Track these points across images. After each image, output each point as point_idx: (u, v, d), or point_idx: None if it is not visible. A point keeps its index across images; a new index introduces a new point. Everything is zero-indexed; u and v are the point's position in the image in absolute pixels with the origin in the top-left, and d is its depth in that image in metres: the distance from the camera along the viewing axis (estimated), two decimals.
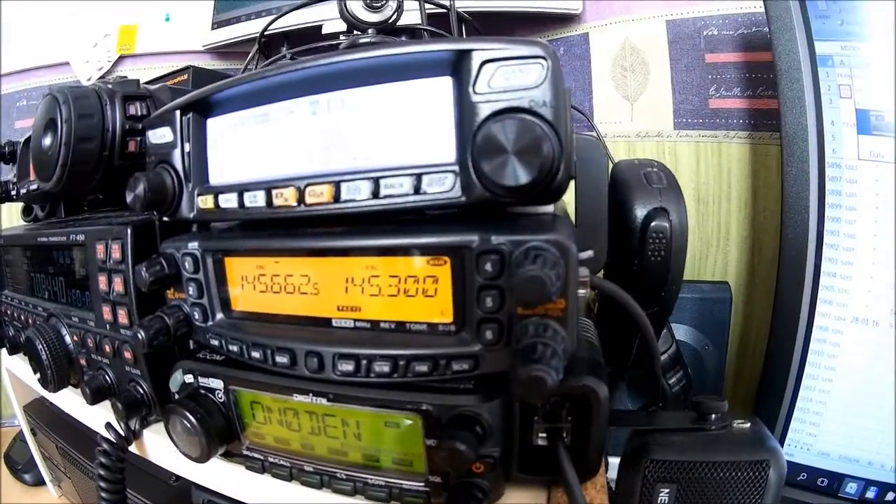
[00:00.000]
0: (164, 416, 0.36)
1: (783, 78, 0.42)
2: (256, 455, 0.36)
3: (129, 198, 0.34)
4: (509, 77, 0.26)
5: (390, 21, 0.65)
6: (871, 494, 0.43)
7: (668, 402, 0.51)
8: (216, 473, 0.39)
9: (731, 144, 0.68)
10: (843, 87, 0.41)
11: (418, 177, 0.27)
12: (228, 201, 0.32)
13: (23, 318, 0.55)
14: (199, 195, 0.34)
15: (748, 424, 0.36)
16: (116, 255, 0.39)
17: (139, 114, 0.43)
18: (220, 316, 0.35)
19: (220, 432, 0.35)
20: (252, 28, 0.77)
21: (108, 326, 0.42)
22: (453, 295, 0.28)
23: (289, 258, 0.32)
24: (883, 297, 0.41)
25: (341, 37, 0.72)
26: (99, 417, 0.46)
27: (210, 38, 0.84)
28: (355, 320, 0.30)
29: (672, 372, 0.55)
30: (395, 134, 0.28)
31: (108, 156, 0.43)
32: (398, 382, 0.29)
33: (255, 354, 0.32)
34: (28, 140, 0.55)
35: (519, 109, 0.25)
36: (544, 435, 0.31)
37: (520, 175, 0.24)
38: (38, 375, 0.48)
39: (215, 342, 0.34)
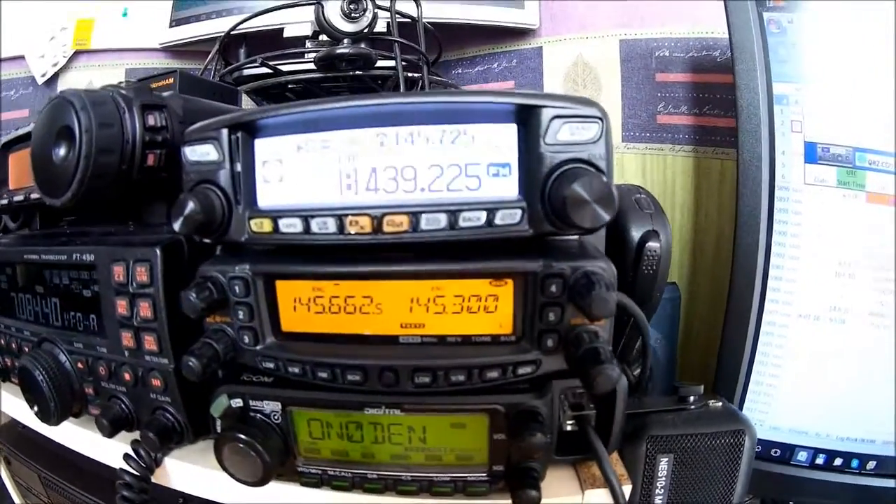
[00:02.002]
0: (219, 443, 0.38)
1: (743, 112, 0.54)
2: (313, 470, 0.40)
3: (176, 220, 0.35)
4: (574, 133, 0.34)
5: (364, 31, 0.71)
6: (820, 461, 0.57)
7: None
8: (242, 493, 0.41)
9: (676, 157, 0.81)
10: (795, 122, 0.54)
11: (492, 211, 0.34)
12: (291, 226, 0.36)
13: (2, 342, 0.54)
14: (251, 218, 0.37)
15: (720, 403, 0.47)
16: (143, 277, 0.41)
17: (159, 125, 0.43)
18: (270, 339, 0.38)
19: (279, 453, 0.38)
20: (210, 28, 0.79)
21: (126, 353, 0.43)
22: (514, 310, 0.36)
23: (349, 281, 0.36)
24: (823, 296, 0.55)
25: (308, 43, 0.77)
26: (97, 445, 0.48)
27: (167, 37, 0.85)
28: (422, 336, 0.36)
29: (637, 364, 0.67)
30: (459, 170, 0.35)
31: (126, 170, 0.41)
32: (467, 388, 0.36)
33: (323, 374, 0.36)
34: (7, 144, 0.55)
35: (582, 161, 0.34)
36: (572, 422, 0.40)
37: (599, 219, 0.32)
38: (35, 408, 0.47)
39: (269, 364, 0.38)
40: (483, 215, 0.34)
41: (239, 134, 0.37)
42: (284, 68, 0.73)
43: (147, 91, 0.44)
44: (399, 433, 0.38)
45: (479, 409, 0.36)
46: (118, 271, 0.42)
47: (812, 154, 0.54)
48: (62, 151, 0.40)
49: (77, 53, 0.96)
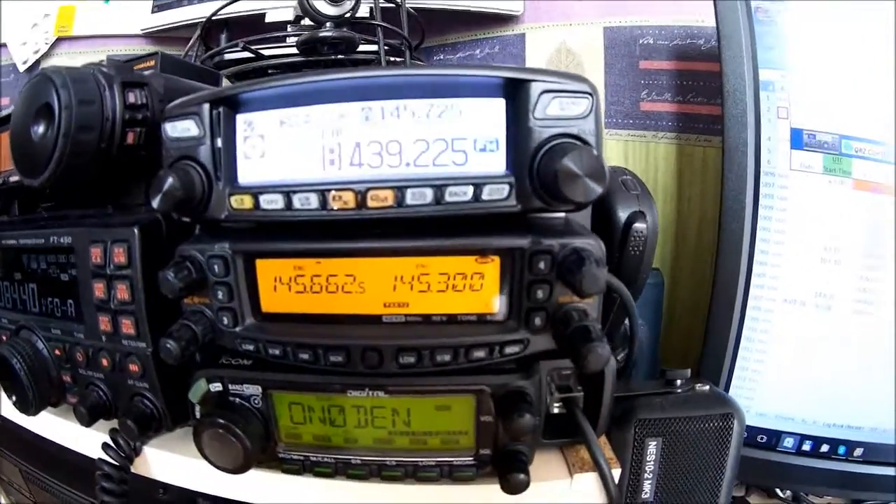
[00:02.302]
0: (198, 429, 0.37)
1: (729, 98, 0.54)
2: (295, 456, 0.39)
3: (154, 197, 0.34)
4: (564, 108, 0.33)
5: (347, 15, 0.71)
6: (806, 447, 0.58)
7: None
8: (223, 481, 0.41)
9: (658, 144, 0.82)
10: (781, 108, 0.54)
11: (479, 186, 0.34)
12: (272, 202, 0.35)
13: None
14: (231, 195, 0.36)
15: (707, 387, 0.48)
16: (120, 259, 0.40)
17: (139, 102, 0.42)
18: (249, 320, 0.37)
19: (259, 439, 0.38)
20: (192, 13, 0.79)
21: (104, 338, 0.42)
22: (500, 288, 0.35)
23: (331, 259, 0.36)
24: (809, 282, 0.55)
25: (289, 27, 0.76)
26: (76, 435, 0.47)
27: (150, 22, 0.86)
28: (406, 315, 0.36)
29: (622, 348, 0.68)
30: (446, 145, 0.35)
31: (105, 148, 0.40)
32: (453, 369, 0.35)
33: (304, 356, 0.36)
34: None
35: (572, 136, 0.33)
36: (559, 404, 0.40)
37: (591, 192, 0.32)
38: (13, 398, 0.47)
39: (249, 346, 0.37)
40: (470, 190, 0.34)
41: (221, 109, 0.36)
42: (266, 53, 0.72)
43: (128, 69, 0.44)
44: (383, 416, 0.37)
45: (465, 389, 0.36)
46: (96, 253, 0.41)
47: (798, 140, 0.54)
48: (41, 129, 0.40)
49: (59, 40, 0.96)
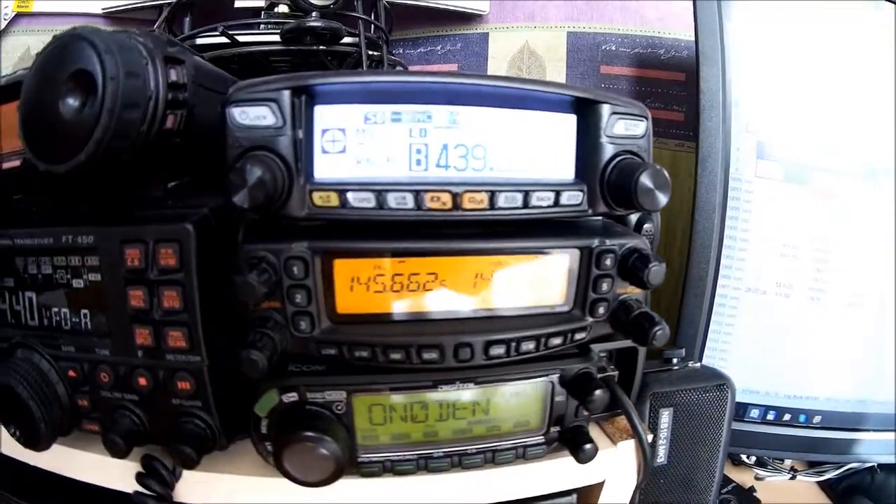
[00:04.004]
0: (279, 444, 0.38)
1: (704, 112, 0.66)
2: (375, 458, 0.43)
3: (238, 191, 0.34)
4: (628, 128, 0.42)
5: (333, 5, 0.76)
6: (771, 417, 0.72)
7: None
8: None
9: None
10: (749, 123, 0.67)
11: (559, 192, 0.41)
12: (364, 200, 0.37)
13: None
14: (312, 191, 0.37)
15: (698, 364, 0.59)
16: (169, 261, 0.38)
17: (181, 81, 0.39)
18: (326, 323, 0.39)
19: (346, 446, 0.39)
20: None
21: (140, 353, 0.40)
22: (569, 282, 0.43)
23: (413, 258, 0.40)
24: (769, 273, 0.69)
25: (263, 14, 0.78)
26: (88, 467, 0.45)
27: (112, 2, 0.85)
28: (487, 309, 0.42)
29: None
30: (525, 152, 0.41)
31: (145, 132, 0.36)
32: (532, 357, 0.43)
33: (396, 356, 0.39)
34: None
35: (632, 153, 0.42)
36: None
37: (659, 203, 0.40)
38: (15, 432, 0.42)
39: (330, 351, 0.39)
40: (552, 195, 0.41)
41: (302, 98, 0.37)
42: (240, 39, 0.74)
43: (167, 42, 0.39)
44: (464, 407, 0.43)
45: (544, 374, 0.43)
46: (132, 255, 0.38)
47: (762, 151, 0.68)
48: (75, 102, 0.35)
49: (18, 16, 0.97)
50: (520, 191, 0.40)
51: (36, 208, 0.48)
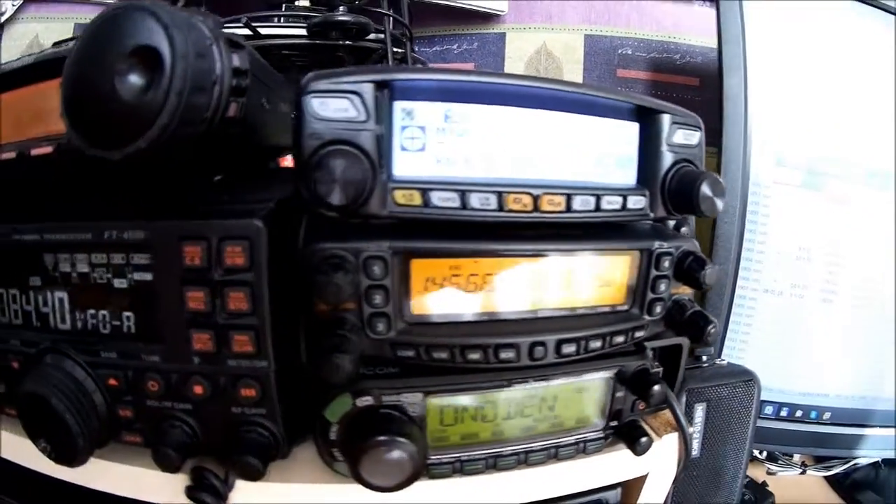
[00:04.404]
0: (356, 451, 0.38)
1: (728, 121, 0.71)
2: (445, 459, 0.45)
3: (329, 186, 0.34)
4: (686, 138, 0.46)
5: (359, 1, 0.78)
6: (784, 413, 0.77)
7: None
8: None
9: None
10: (769, 130, 0.72)
11: (625, 196, 0.45)
12: (448, 200, 0.38)
13: None
14: (394, 189, 0.38)
15: (725, 361, 0.64)
16: (237, 260, 0.37)
17: (244, 67, 0.37)
18: (401, 324, 0.40)
19: (423, 449, 0.39)
20: None
21: (197, 359, 0.39)
22: (629, 282, 0.47)
23: (491, 259, 0.42)
24: (785, 275, 0.74)
25: (283, 6, 0.80)
26: (127, 481, 0.44)
27: None
28: (557, 309, 0.45)
29: None
30: (594, 157, 0.44)
31: (209, 119, 0.34)
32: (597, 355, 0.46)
33: (474, 356, 0.41)
34: None
35: (689, 161, 0.46)
36: None
37: (717, 209, 0.44)
38: (47, 447, 0.40)
39: (408, 352, 0.40)
40: (620, 200, 0.44)
41: (384, 92, 0.37)
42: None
43: (217, 22, 0.36)
44: (532, 405, 0.46)
45: (606, 371, 0.47)
46: (192, 253, 0.37)
47: (781, 159, 0.73)
48: (138, 81, 0.31)
49: (27, 3, 0.98)
50: (592, 194, 0.43)
51: (67, 200, 0.44)
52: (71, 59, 0.33)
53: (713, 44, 0.85)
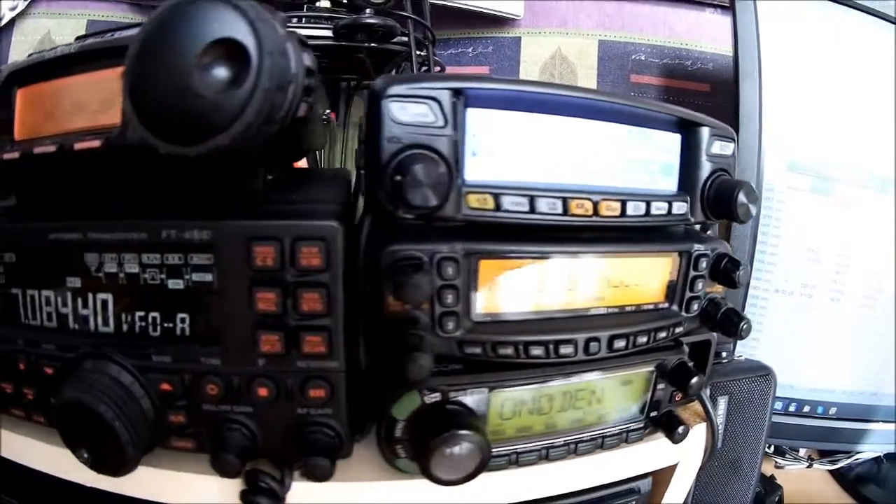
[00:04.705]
0: (430, 446, 0.40)
1: (744, 128, 0.76)
2: (503, 451, 0.48)
3: (416, 190, 0.37)
4: (722, 149, 0.51)
5: (385, 4, 0.82)
6: (792, 408, 0.84)
7: None
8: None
9: None
10: (782, 137, 0.79)
11: (670, 202, 0.50)
12: (517, 204, 0.42)
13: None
14: (468, 193, 0.41)
15: (742, 356, 0.70)
16: (312, 261, 0.38)
17: (313, 67, 0.37)
18: (468, 323, 0.43)
19: (488, 442, 0.42)
20: None
21: (262, 361, 0.40)
22: (669, 282, 0.52)
23: (550, 260, 0.46)
24: (796, 276, 0.81)
25: (305, 7, 0.84)
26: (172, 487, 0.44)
27: None
28: (606, 307, 0.49)
29: None
30: (641, 166, 0.49)
31: (283, 118, 0.34)
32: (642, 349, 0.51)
33: (537, 351, 0.45)
34: (17, 75, 0.43)
35: (725, 171, 0.51)
36: None
37: (751, 215, 0.50)
38: (89, 457, 0.39)
39: (475, 350, 0.43)
40: (665, 205, 0.49)
41: (459, 99, 0.40)
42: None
43: (281, 19, 0.35)
44: (583, 398, 0.50)
45: (649, 365, 0.52)
46: (264, 254, 0.38)
47: (793, 166, 0.80)
48: (222, 75, 0.31)
49: None
50: (643, 200, 0.48)
51: (112, 197, 0.43)
52: (137, 49, 0.32)
53: (724, 51, 0.93)
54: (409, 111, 0.39)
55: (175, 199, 0.42)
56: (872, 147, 0.82)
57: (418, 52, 0.87)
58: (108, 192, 0.43)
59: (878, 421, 0.86)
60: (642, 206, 0.48)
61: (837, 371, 0.85)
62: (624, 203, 0.47)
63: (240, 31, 0.31)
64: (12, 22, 0.97)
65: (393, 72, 0.88)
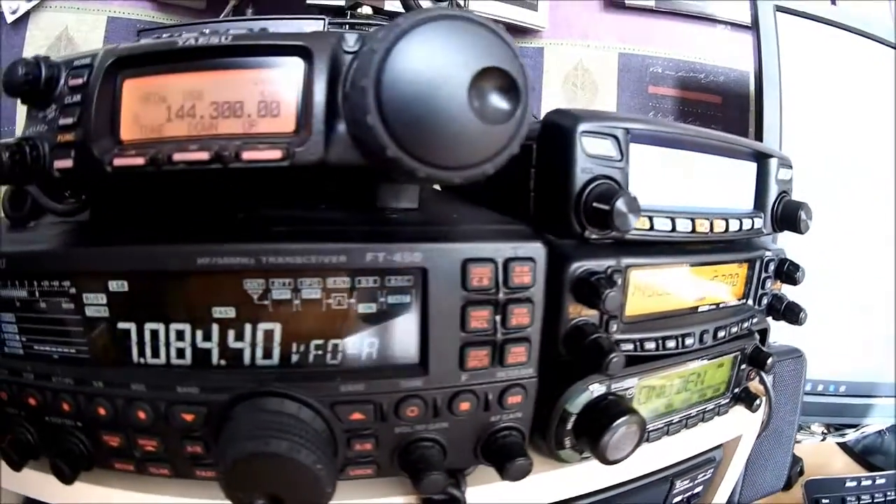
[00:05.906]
0: (609, 433, 0.51)
1: (766, 133, 0.99)
2: None
3: (620, 217, 0.48)
4: (785, 175, 0.73)
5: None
6: (808, 388, 1.07)
7: None
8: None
9: None
10: (794, 147, 1.02)
11: (753, 219, 0.71)
12: (664, 224, 0.59)
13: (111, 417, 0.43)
14: None
15: (776, 342, 0.92)
16: (524, 279, 0.46)
17: None
18: (621, 324, 0.59)
19: None
20: None
21: (464, 377, 0.46)
22: (746, 282, 0.74)
23: (672, 267, 0.66)
24: (810, 267, 1.04)
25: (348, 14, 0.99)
26: None
27: None
28: (708, 305, 0.70)
29: None
30: (728, 189, 0.71)
31: None
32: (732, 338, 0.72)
33: (671, 344, 0.64)
34: (122, 62, 0.39)
35: (787, 193, 0.73)
36: None
37: (808, 228, 0.72)
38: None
39: (628, 346, 0.59)
40: (750, 222, 0.71)
41: (627, 136, 0.55)
42: None
43: None
44: (692, 380, 0.70)
45: (737, 350, 0.73)
46: (480, 274, 0.45)
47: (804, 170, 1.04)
48: (501, 105, 0.35)
49: None
50: (737, 218, 0.69)
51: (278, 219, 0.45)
52: (381, 61, 0.34)
53: (734, 65, 1.15)
54: (598, 145, 0.52)
55: (330, 220, 0.47)
56: (872, 152, 1.07)
57: None
58: (226, 205, 0.46)
59: (881, 396, 1.12)
60: (737, 223, 0.69)
61: (846, 351, 1.11)
62: (727, 221, 0.68)
63: (508, 61, 0.35)
64: (27, 15, 1.03)
65: None
